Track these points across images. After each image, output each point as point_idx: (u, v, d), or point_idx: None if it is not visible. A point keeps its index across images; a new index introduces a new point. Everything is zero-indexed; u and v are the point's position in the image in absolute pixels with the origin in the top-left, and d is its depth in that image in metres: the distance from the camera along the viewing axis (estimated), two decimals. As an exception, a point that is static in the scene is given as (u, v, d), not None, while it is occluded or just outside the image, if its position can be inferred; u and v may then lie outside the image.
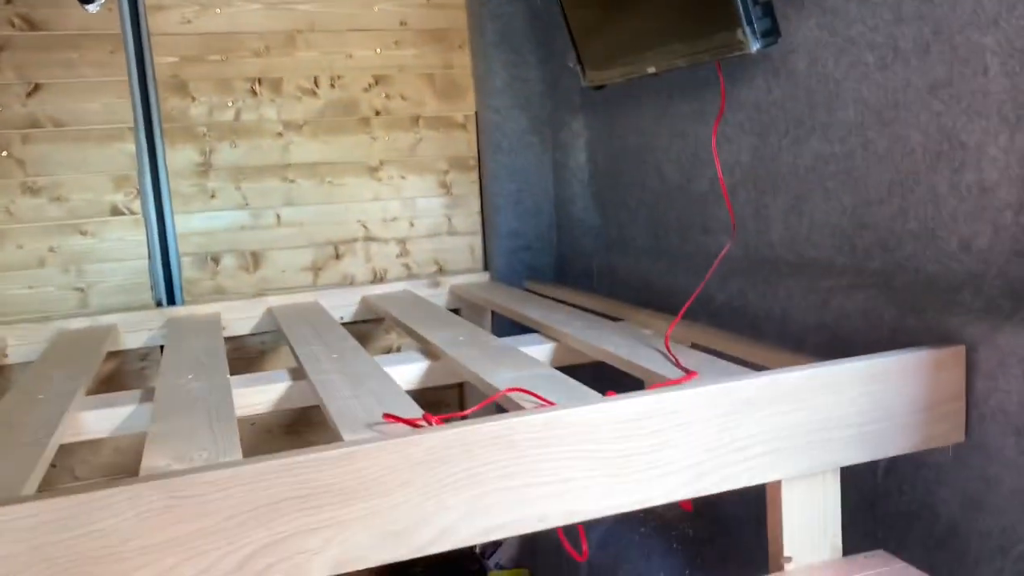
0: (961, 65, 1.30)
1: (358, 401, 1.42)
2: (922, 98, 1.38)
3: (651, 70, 1.81)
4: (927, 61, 1.35)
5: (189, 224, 2.50)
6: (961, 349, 1.25)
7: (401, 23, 2.62)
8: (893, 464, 1.39)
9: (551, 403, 1.30)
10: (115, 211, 2.43)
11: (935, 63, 1.34)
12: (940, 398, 1.26)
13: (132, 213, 2.45)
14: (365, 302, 2.57)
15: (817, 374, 1.20)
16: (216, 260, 2.54)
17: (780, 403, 1.18)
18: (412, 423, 1.22)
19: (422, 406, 1.35)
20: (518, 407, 1.31)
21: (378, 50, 2.60)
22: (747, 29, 1.46)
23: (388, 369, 1.67)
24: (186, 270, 2.52)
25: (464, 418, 1.14)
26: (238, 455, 1.21)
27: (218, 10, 2.45)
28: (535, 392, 1.35)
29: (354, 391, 1.49)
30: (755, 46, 1.48)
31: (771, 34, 1.49)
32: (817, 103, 1.60)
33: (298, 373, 1.72)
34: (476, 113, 2.73)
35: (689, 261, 2.05)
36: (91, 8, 2.33)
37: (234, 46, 2.48)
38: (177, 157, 2.47)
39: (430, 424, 1.20)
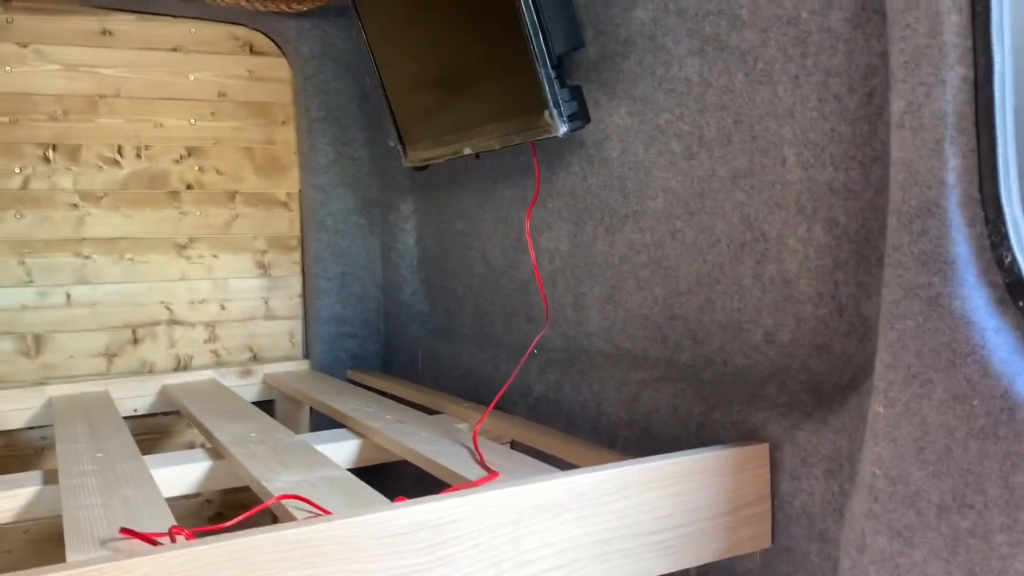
0: (761, 155, 1.28)
1: (103, 511, 1.20)
2: (726, 188, 1.35)
3: (467, 151, 1.74)
4: (730, 151, 1.34)
5: (-41, 302, 2.21)
6: (765, 447, 1.19)
7: (220, 94, 2.47)
8: (703, 573, 1.30)
9: (326, 512, 1.14)
10: None
11: (737, 153, 1.32)
12: (746, 500, 1.18)
13: None
14: (164, 392, 2.32)
15: (616, 474, 1.10)
16: (-10, 343, 2.24)
17: (576, 508, 1.07)
18: (149, 539, 1.03)
19: (216, 513, 1.16)
20: (291, 517, 1.14)
21: (193, 120, 2.44)
22: (554, 111, 1.41)
23: (157, 472, 1.46)
24: (-48, 354, 2.21)
25: (224, 530, 0.96)
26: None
27: (8, 68, 2.22)
28: (311, 500, 1.19)
29: (104, 499, 1.27)
30: (562, 129, 1.43)
31: (578, 118, 1.44)
32: (629, 191, 1.56)
33: (51, 476, 1.48)
34: (300, 191, 2.59)
35: (512, 350, 1.95)
36: None
37: (26, 108, 2.25)
38: (-52, 226, 2.19)
39: (173, 540, 1.02)
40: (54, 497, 1.43)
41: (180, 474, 1.53)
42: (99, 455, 1.54)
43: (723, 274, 1.38)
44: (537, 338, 1.75)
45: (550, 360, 1.77)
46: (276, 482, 1.32)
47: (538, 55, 1.39)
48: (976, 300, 0.91)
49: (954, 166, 0.92)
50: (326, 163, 2.50)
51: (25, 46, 2.24)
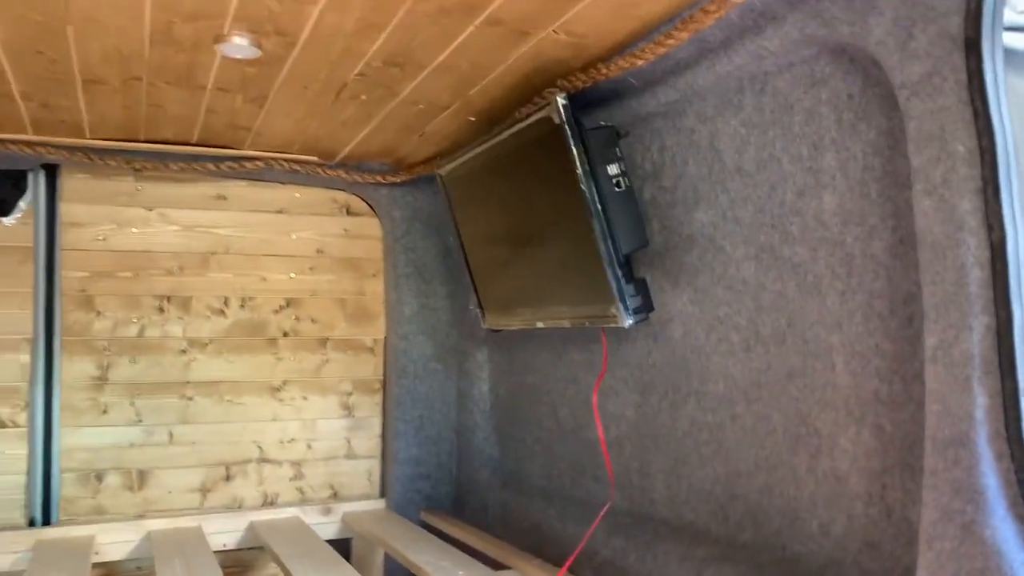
0: (813, 358, 1.39)
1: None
2: (781, 383, 1.46)
3: (540, 325, 1.89)
4: (784, 350, 1.45)
5: (76, 439, 2.42)
6: (818, 642, 1.26)
7: (318, 250, 2.71)
8: None
9: None
10: (-2, 423, 2.35)
11: (791, 352, 1.44)
12: None
13: (16, 426, 2.36)
14: (251, 529, 2.47)
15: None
16: (99, 477, 2.44)
17: None
18: None
19: None
20: None
21: (292, 275, 2.67)
22: (620, 305, 1.55)
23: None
24: (66, 487, 2.41)
25: None
26: None
27: (134, 229, 2.50)
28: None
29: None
30: (627, 321, 1.57)
31: (643, 310, 1.58)
32: (691, 371, 1.68)
33: (155, 623, 1.62)
34: (385, 338, 2.77)
35: (579, 509, 2.05)
36: (6, 221, 2.37)
37: (146, 264, 2.51)
38: (73, 370, 2.43)
39: None
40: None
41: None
42: (198, 604, 1.68)
43: (780, 462, 1.47)
44: (605, 508, 1.85)
45: (616, 524, 1.85)
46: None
47: (606, 256, 1.55)
48: (1006, 531, 0.99)
49: (982, 404, 1.02)
50: (410, 314, 2.69)
51: (151, 209, 2.53)
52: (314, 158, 2.44)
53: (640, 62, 1.43)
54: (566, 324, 1.78)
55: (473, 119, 2.02)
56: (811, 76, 1.34)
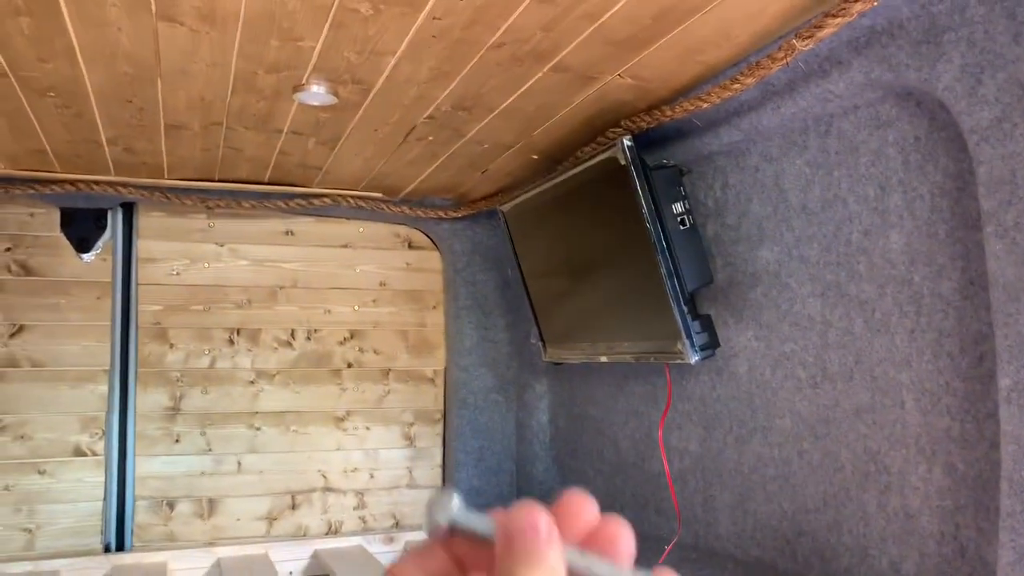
0: (881, 395, 1.40)
1: None
2: (849, 419, 1.47)
3: (603, 359, 1.92)
4: (851, 386, 1.46)
5: (150, 467, 2.51)
6: None
7: (380, 284, 2.77)
8: None
9: None
10: (77, 451, 2.44)
11: (859, 389, 1.45)
12: None
13: (94, 454, 2.46)
14: (316, 557, 2.53)
15: None
16: (171, 505, 2.52)
17: None
18: None
19: None
20: None
21: (356, 307, 2.74)
22: (686, 342, 1.58)
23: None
24: (139, 514, 2.49)
25: None
26: None
27: (206, 264, 2.60)
28: None
29: None
30: (694, 358, 1.59)
31: (709, 347, 1.61)
32: (757, 407, 1.69)
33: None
34: (445, 369, 2.83)
35: (642, 542, 2.05)
36: (87, 257, 2.48)
37: (218, 298, 2.61)
38: (147, 400, 2.52)
39: None
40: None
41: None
42: (273, 632, 1.73)
43: (849, 499, 1.47)
44: (672, 543, 1.86)
45: (681, 558, 1.86)
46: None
47: (672, 294, 1.58)
48: (1087, 575, 0.99)
49: (1059, 446, 1.02)
50: (470, 345, 2.74)
51: (222, 245, 2.62)
52: (379, 195, 2.52)
53: (704, 105, 1.47)
54: (630, 359, 1.80)
55: (536, 157, 2.07)
56: (876, 119, 1.37)
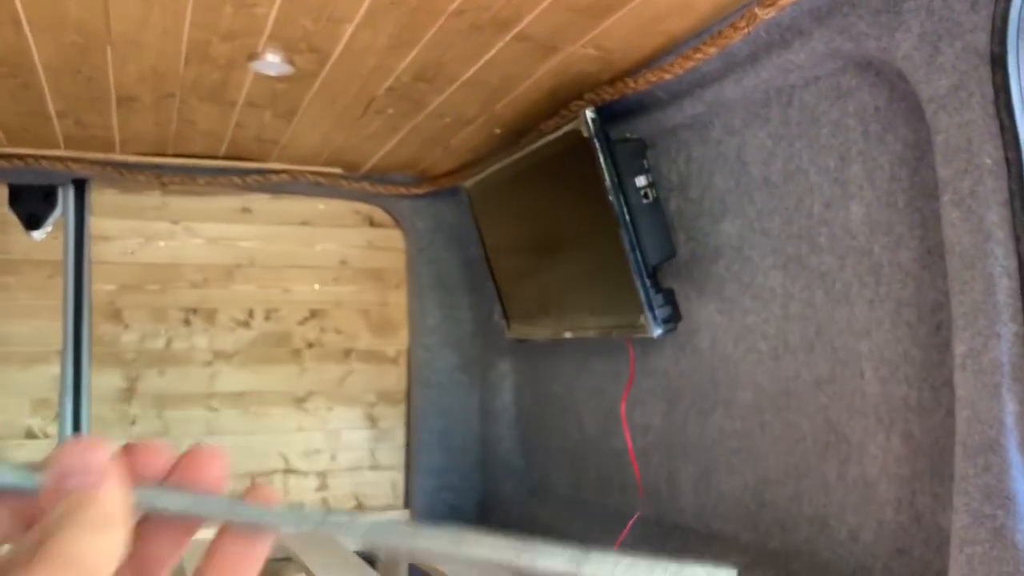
0: (841, 366, 1.41)
1: None
2: (810, 391, 1.48)
3: (567, 335, 1.91)
4: (812, 358, 1.47)
5: (105, 450, 2.45)
6: (851, 648, 1.27)
7: (341, 262, 2.74)
8: None
9: None
10: (29, 434, 2.38)
11: (819, 360, 1.45)
12: None
13: (47, 436, 2.40)
14: (278, 539, 2.49)
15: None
16: (128, 488, 2.47)
17: None
18: None
19: None
20: None
21: (317, 286, 2.70)
22: (649, 315, 1.58)
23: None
24: (95, 497, 2.44)
25: None
26: None
27: (161, 243, 2.54)
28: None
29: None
30: (656, 331, 1.59)
31: (671, 321, 1.61)
32: (719, 381, 1.70)
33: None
34: (408, 349, 2.80)
35: (607, 520, 2.06)
36: (37, 235, 2.41)
37: (173, 277, 2.55)
38: (102, 382, 2.46)
39: None
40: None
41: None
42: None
43: (809, 469, 1.49)
44: (633, 518, 1.86)
45: (645, 535, 1.87)
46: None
47: (635, 267, 1.58)
48: (1040, 536, 1.00)
49: (1012, 410, 1.04)
50: (433, 324, 2.71)
51: (176, 223, 2.57)
52: (338, 170, 2.48)
53: (667, 76, 1.46)
54: (592, 334, 1.80)
55: (499, 131, 2.05)
56: (837, 89, 1.37)
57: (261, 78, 1.70)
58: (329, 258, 2.73)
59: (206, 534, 0.36)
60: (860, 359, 1.37)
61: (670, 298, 1.62)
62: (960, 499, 1.09)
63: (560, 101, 1.78)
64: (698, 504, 1.76)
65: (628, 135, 1.69)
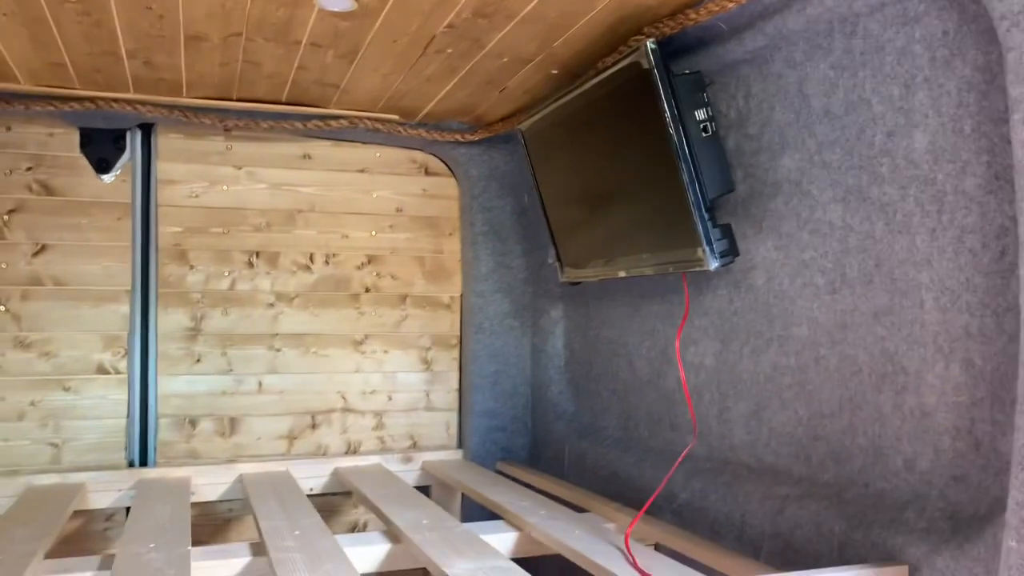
0: (901, 297, 1.41)
1: (314, 585, 1.42)
2: (867, 323, 1.48)
3: (622, 274, 1.93)
4: (871, 290, 1.47)
5: (172, 386, 2.56)
6: (904, 569, 1.29)
7: (397, 209, 2.78)
8: None
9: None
10: (101, 369, 2.49)
11: (878, 292, 1.45)
12: (885, 618, 1.28)
13: (117, 372, 2.50)
14: (336, 475, 2.58)
15: (763, 587, 1.22)
16: (194, 423, 2.57)
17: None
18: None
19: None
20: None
21: (373, 232, 2.76)
22: (706, 249, 1.59)
23: (349, 551, 1.68)
24: (162, 432, 2.54)
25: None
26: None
27: (225, 187, 2.61)
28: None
29: (311, 573, 1.49)
30: (713, 264, 1.60)
31: (729, 254, 1.61)
32: (775, 317, 1.71)
33: (259, 548, 1.72)
34: (461, 295, 2.85)
35: (656, 456, 2.09)
36: (107, 178, 2.50)
37: (237, 220, 2.62)
38: (169, 321, 2.56)
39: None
40: (264, 568, 1.67)
41: (367, 554, 1.74)
42: (296, 532, 1.78)
43: (865, 401, 1.49)
44: (687, 449, 1.89)
45: (695, 469, 1.90)
46: (454, 568, 1.50)
47: (694, 200, 1.59)
48: (1103, 451, 1.00)
49: (1080, 328, 1.03)
50: (486, 271, 2.75)
51: (240, 168, 2.63)
52: (396, 117, 2.51)
53: (731, 4, 1.45)
54: (649, 271, 1.82)
55: (556, 72, 2.06)
56: (904, 15, 1.35)
57: (325, 15, 1.73)
58: (386, 205, 2.78)
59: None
60: (920, 289, 1.37)
61: (727, 232, 1.63)
62: (1022, 419, 1.09)
63: (619, 37, 1.79)
64: (750, 440, 1.78)
65: (687, 70, 1.69)
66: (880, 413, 1.46)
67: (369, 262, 2.76)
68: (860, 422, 1.50)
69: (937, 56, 1.30)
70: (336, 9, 1.69)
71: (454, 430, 2.84)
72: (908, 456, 1.40)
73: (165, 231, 2.56)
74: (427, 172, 2.82)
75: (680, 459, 1.87)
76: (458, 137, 2.58)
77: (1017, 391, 1.12)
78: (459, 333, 2.86)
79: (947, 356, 1.32)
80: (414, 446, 2.79)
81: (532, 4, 1.65)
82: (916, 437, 1.38)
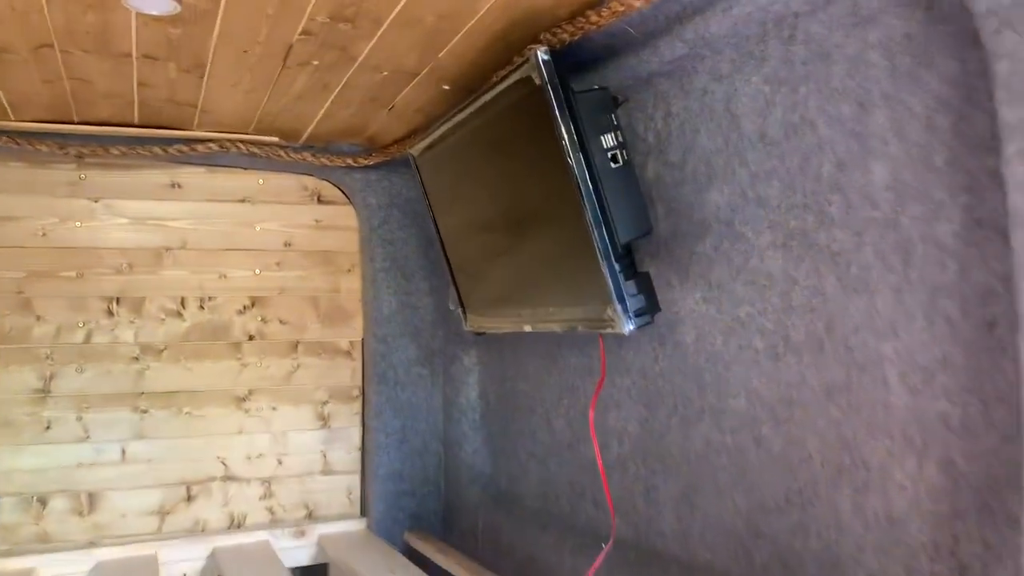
0: (859, 371, 1.11)
1: None
2: (819, 400, 1.18)
3: (528, 328, 1.61)
4: (821, 359, 1.17)
5: (16, 460, 2.16)
6: None
7: (285, 243, 2.43)
8: None
9: None
10: (-75, 443, 2.09)
11: (830, 363, 1.16)
12: None
13: (-54, 445, 2.10)
14: (215, 557, 2.21)
15: None
16: (43, 502, 2.18)
17: None
18: None
19: None
20: None
21: (257, 271, 2.40)
22: (618, 307, 1.27)
23: None
24: (5, 513, 2.15)
25: None
26: None
27: (78, 223, 2.23)
28: None
29: None
30: (627, 327, 1.29)
31: (646, 313, 1.31)
32: (706, 384, 1.40)
33: None
34: (363, 340, 2.50)
35: (578, 538, 1.78)
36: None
37: (92, 262, 2.24)
38: (11, 381, 2.17)
39: None
40: None
41: None
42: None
43: (817, 497, 1.19)
44: (605, 549, 1.57)
45: (619, 560, 1.58)
46: None
47: (601, 247, 1.27)
48: None
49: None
50: (389, 313, 2.42)
51: (96, 201, 2.26)
52: (275, 139, 2.17)
53: (637, 4, 1.15)
54: (556, 327, 1.50)
55: (447, 87, 1.74)
56: (854, 14, 1.06)
57: (148, 21, 1.39)
58: (272, 239, 2.42)
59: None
60: (883, 363, 1.07)
61: (645, 285, 1.32)
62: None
63: (512, 46, 1.47)
64: (681, 529, 1.47)
65: (593, 86, 1.38)
66: (836, 514, 1.16)
67: (253, 305, 2.39)
68: (812, 522, 1.20)
69: (898, 66, 1.01)
70: (154, 12, 1.34)
71: (356, 495, 2.49)
72: (873, 571, 1.10)
73: (5, 276, 2.17)
74: (320, 200, 2.47)
75: (599, 560, 1.55)
76: (350, 161, 2.25)
77: (1023, 509, 0.83)
78: (361, 384, 2.51)
79: (920, 452, 1.03)
80: (309, 516, 2.43)
81: (400, 5, 1.33)
82: (882, 550, 1.09)
